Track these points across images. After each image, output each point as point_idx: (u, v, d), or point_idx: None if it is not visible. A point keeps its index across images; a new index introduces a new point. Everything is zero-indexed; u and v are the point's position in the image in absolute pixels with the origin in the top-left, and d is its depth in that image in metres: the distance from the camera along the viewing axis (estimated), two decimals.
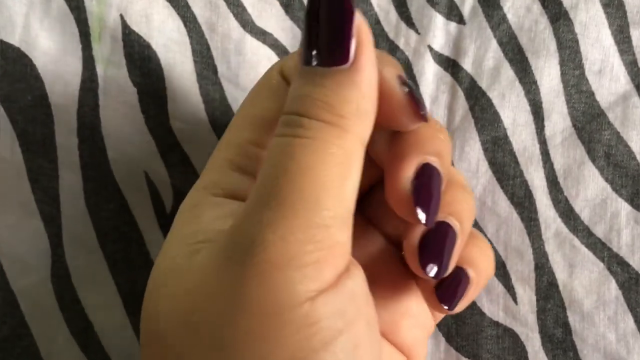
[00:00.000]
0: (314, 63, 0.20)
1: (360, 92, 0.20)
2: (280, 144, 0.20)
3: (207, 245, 0.20)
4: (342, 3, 0.19)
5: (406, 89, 0.21)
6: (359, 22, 0.20)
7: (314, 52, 0.20)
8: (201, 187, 0.23)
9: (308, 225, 0.19)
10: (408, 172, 0.22)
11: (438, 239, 0.23)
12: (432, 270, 0.23)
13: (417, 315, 0.26)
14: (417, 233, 0.23)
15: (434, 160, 0.23)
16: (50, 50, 0.31)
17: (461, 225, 0.23)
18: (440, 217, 0.23)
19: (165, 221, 0.31)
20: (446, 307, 0.24)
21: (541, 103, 0.31)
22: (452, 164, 0.31)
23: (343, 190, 0.20)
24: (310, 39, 0.20)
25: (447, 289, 0.24)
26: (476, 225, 0.31)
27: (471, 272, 0.24)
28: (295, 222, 0.19)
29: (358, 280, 0.20)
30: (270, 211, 0.19)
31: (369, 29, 0.20)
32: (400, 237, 0.25)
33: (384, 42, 0.32)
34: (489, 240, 0.31)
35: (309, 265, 0.19)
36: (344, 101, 0.20)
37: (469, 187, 0.25)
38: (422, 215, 0.22)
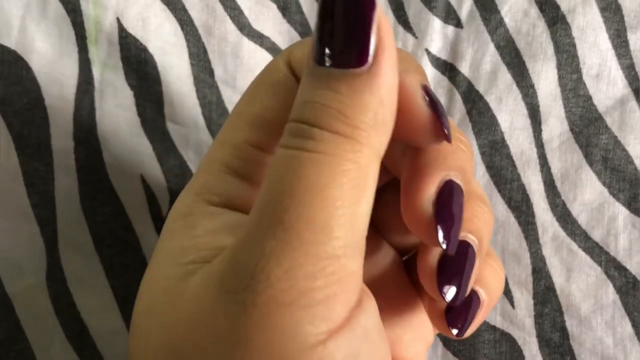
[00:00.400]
0: (327, 63, 0.17)
1: (378, 99, 0.17)
2: (287, 158, 0.17)
3: (201, 268, 0.18)
4: (369, 11, 0.17)
5: (430, 104, 0.19)
6: (381, 17, 0.17)
7: (327, 51, 0.17)
8: (193, 192, 0.21)
9: (317, 256, 0.17)
10: (429, 191, 0.20)
11: (458, 261, 0.21)
12: (450, 294, 0.21)
13: (419, 329, 0.24)
14: (435, 253, 0.21)
15: (456, 176, 0.20)
16: (47, 53, 0.31)
17: (480, 244, 0.21)
18: (460, 235, 0.21)
19: (161, 225, 0.31)
20: (455, 332, 0.22)
21: (538, 107, 0.32)
22: None
23: (356, 214, 0.17)
24: (324, 35, 0.17)
25: (459, 313, 0.22)
26: None
27: (483, 294, 0.22)
28: (302, 253, 0.16)
29: (371, 314, 0.18)
30: (274, 239, 0.17)
31: (390, 26, 0.18)
32: (406, 246, 0.24)
33: None
34: None
35: (320, 303, 0.17)
36: (360, 110, 0.17)
37: (486, 197, 0.23)
38: (443, 240, 0.20)
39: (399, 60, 0.18)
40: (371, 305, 0.18)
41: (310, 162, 0.17)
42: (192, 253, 0.19)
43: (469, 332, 0.22)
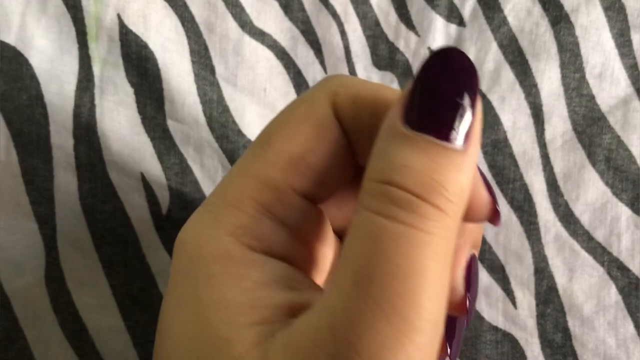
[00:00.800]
0: (422, 129, 0.17)
1: (467, 178, 0.17)
2: (379, 228, 0.16)
3: (278, 331, 0.17)
4: (474, 76, 0.17)
5: (488, 188, 0.19)
6: (480, 103, 0.17)
7: (427, 118, 0.17)
8: (226, 233, 0.19)
9: (430, 345, 0.16)
10: (461, 269, 0.20)
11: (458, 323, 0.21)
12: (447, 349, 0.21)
13: None
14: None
15: (476, 252, 0.21)
16: (47, 49, 0.31)
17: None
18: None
19: (161, 223, 0.31)
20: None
21: (541, 106, 0.31)
22: None
23: (443, 297, 0.17)
24: (425, 100, 0.17)
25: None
26: None
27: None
28: (416, 343, 0.16)
29: None
30: (381, 322, 0.16)
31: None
32: None
33: (384, 44, 0.32)
34: (488, 243, 0.31)
35: None
36: (456, 186, 0.17)
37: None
38: (468, 310, 0.20)
39: None
40: None
41: (408, 238, 0.16)
42: (252, 312, 0.18)
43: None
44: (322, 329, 0.16)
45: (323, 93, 0.20)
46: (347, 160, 0.20)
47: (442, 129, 0.17)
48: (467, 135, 0.17)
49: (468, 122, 0.17)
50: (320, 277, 0.21)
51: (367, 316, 0.16)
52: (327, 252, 0.21)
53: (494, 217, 0.19)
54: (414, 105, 0.17)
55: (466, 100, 0.17)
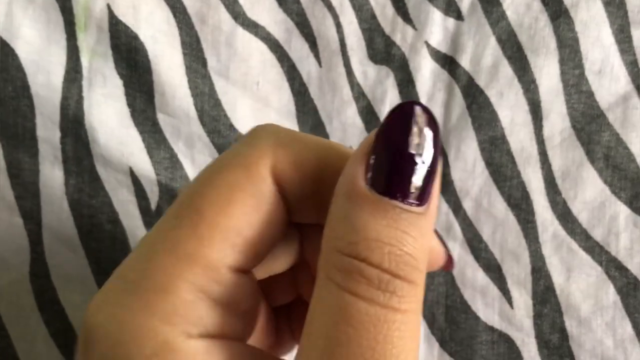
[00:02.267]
0: (389, 195, 0.16)
1: (431, 239, 0.17)
2: (366, 314, 0.16)
3: None
4: (434, 128, 0.16)
5: (442, 241, 0.20)
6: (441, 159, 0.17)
7: (395, 182, 0.16)
8: (164, 322, 0.17)
9: None
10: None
11: None
12: None
13: None
14: None
15: None
16: (34, 39, 0.31)
17: None
18: None
19: (150, 219, 0.31)
20: None
21: (540, 102, 0.31)
22: (449, 172, 0.32)
23: None
24: (395, 165, 0.16)
25: None
26: (472, 227, 0.31)
27: None
28: None
29: None
30: None
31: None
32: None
33: (380, 38, 0.32)
34: (484, 242, 0.31)
35: None
36: (424, 255, 0.16)
37: None
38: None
39: None
40: None
41: (392, 322, 0.16)
42: None
43: None
44: None
45: (261, 156, 0.18)
46: (283, 223, 0.19)
47: (407, 191, 0.16)
48: (429, 195, 0.16)
49: (432, 182, 0.16)
50: (254, 335, 0.21)
51: None
52: (258, 309, 0.21)
53: (448, 264, 0.20)
54: (377, 166, 0.16)
55: (430, 160, 0.16)
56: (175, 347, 0.17)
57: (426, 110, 0.16)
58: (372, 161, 0.16)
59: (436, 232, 0.20)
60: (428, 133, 0.16)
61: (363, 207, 0.16)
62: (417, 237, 0.16)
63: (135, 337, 0.17)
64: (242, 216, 0.18)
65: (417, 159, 0.16)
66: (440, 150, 0.16)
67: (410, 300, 0.16)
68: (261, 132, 0.19)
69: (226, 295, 0.18)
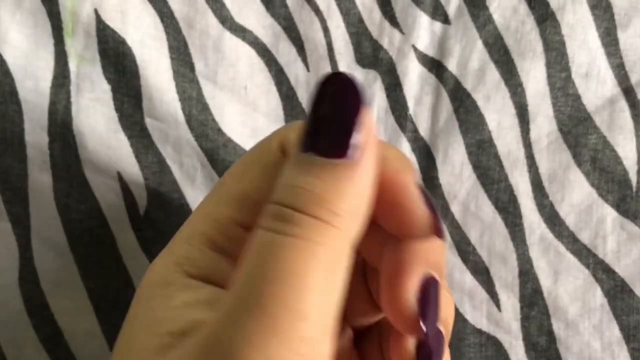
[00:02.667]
0: (313, 152, 0.19)
1: (357, 190, 0.19)
2: (266, 241, 0.18)
3: (178, 342, 0.19)
4: (353, 94, 0.19)
5: (427, 202, 0.21)
6: (367, 117, 0.19)
7: (315, 140, 0.19)
8: (172, 262, 0.21)
9: (291, 338, 0.18)
10: (414, 287, 0.21)
11: (434, 349, 0.22)
12: None
13: None
14: (412, 341, 0.22)
15: (435, 274, 0.21)
16: (21, 44, 0.31)
17: (446, 332, 0.22)
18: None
19: (138, 224, 0.31)
20: None
21: (527, 106, 0.32)
22: (437, 176, 0.32)
23: (330, 299, 0.18)
24: (313, 126, 0.19)
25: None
26: (460, 230, 0.32)
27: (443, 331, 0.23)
28: (280, 338, 0.17)
29: None
30: (251, 321, 0.17)
31: (374, 126, 0.20)
32: (360, 326, 0.25)
33: (367, 42, 0.32)
34: (472, 245, 0.31)
35: None
36: (340, 197, 0.18)
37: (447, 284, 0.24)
38: (426, 333, 0.21)
39: (396, 158, 0.21)
40: None
41: (289, 247, 0.18)
42: (169, 324, 0.19)
43: None
44: (204, 338, 0.18)
45: (274, 137, 0.22)
46: None
47: (325, 147, 0.19)
48: (359, 148, 0.19)
49: (357, 137, 0.18)
50: None
51: (238, 319, 0.18)
52: None
53: (436, 231, 0.21)
54: (305, 131, 0.19)
55: (349, 117, 0.19)
56: (173, 281, 0.21)
57: (345, 75, 0.19)
58: (303, 128, 0.19)
59: (427, 197, 0.21)
60: (345, 94, 0.19)
61: (292, 166, 0.19)
62: (335, 185, 0.18)
63: (153, 274, 0.21)
64: (252, 181, 0.22)
65: (337, 120, 0.19)
66: (362, 109, 0.19)
67: (321, 235, 0.18)
68: (285, 125, 0.23)
69: (233, 247, 0.21)
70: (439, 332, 0.22)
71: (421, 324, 0.21)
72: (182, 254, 0.21)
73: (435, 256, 0.22)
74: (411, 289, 0.21)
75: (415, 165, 0.32)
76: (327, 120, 0.19)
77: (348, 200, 0.19)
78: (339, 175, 0.19)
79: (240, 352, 0.17)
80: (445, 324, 0.23)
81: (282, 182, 0.19)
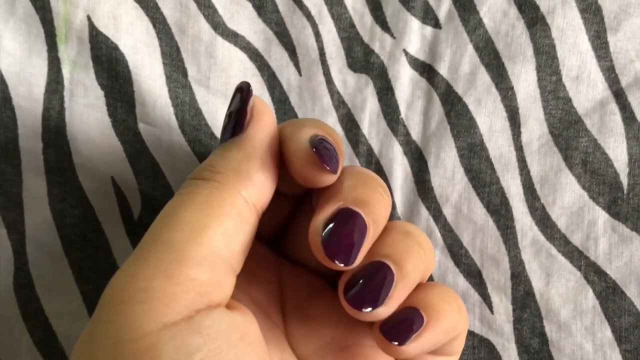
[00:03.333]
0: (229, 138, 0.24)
1: (243, 153, 0.23)
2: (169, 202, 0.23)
3: None
4: (241, 92, 0.24)
5: (313, 143, 0.23)
6: (255, 101, 0.24)
7: (226, 129, 0.24)
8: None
9: (158, 262, 0.21)
10: (323, 215, 0.23)
11: (371, 279, 0.23)
12: (367, 309, 0.23)
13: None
14: (347, 274, 0.24)
15: (354, 206, 0.23)
16: (15, 51, 0.31)
17: (397, 266, 0.23)
18: (373, 258, 0.24)
19: (132, 228, 0.32)
20: (395, 343, 0.23)
21: (518, 109, 0.32)
22: (429, 179, 0.32)
23: (205, 233, 0.22)
24: (225, 126, 0.25)
25: (394, 326, 0.24)
26: (452, 233, 0.32)
27: (424, 313, 0.24)
28: (144, 261, 0.21)
29: (223, 319, 0.21)
30: (129, 258, 0.22)
31: (266, 107, 0.25)
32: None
33: (359, 46, 0.33)
34: (464, 248, 0.32)
35: (155, 300, 0.20)
36: (224, 161, 0.23)
37: (418, 236, 0.25)
38: (339, 260, 0.23)
39: (297, 123, 0.25)
40: (226, 313, 0.22)
41: (175, 199, 0.23)
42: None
43: (412, 348, 0.24)
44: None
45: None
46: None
47: (227, 134, 0.24)
48: (246, 125, 0.24)
49: (244, 121, 0.24)
50: None
51: (130, 260, 0.22)
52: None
53: (319, 168, 0.23)
54: (221, 132, 0.25)
55: (239, 112, 0.24)
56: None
57: (245, 83, 0.25)
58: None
59: (316, 142, 0.23)
60: (238, 88, 0.25)
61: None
62: (220, 153, 0.24)
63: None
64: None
65: (229, 114, 0.25)
66: (245, 97, 0.24)
67: (192, 187, 0.23)
68: None
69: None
70: (379, 264, 0.24)
71: (336, 256, 0.23)
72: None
73: (356, 193, 0.24)
74: (319, 218, 0.23)
75: (408, 169, 0.32)
76: (230, 114, 0.24)
77: (231, 161, 0.23)
78: (227, 146, 0.24)
79: (113, 279, 0.21)
80: (395, 259, 0.24)
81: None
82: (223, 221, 0.22)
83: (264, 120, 0.24)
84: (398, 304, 0.24)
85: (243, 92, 0.24)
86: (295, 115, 0.32)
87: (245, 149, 0.24)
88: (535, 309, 0.32)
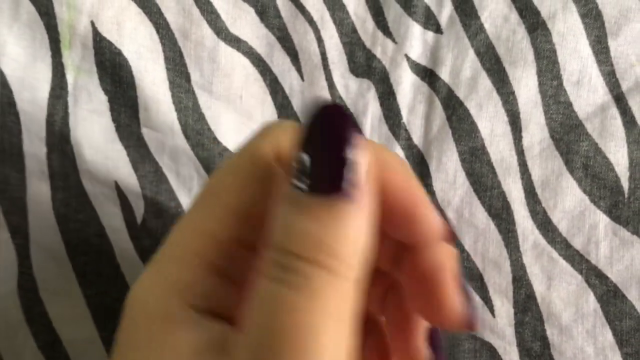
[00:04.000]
0: (308, 189, 0.17)
1: (357, 231, 0.18)
2: (273, 293, 0.17)
3: None
4: (344, 126, 0.17)
5: (466, 297, 0.20)
6: (362, 149, 0.18)
7: (309, 179, 0.17)
8: (169, 289, 0.19)
9: None
10: (420, 336, 0.22)
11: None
12: None
13: None
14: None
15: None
16: (19, 56, 0.31)
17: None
18: None
19: (136, 232, 0.32)
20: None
21: (519, 114, 0.32)
22: (431, 183, 0.32)
23: (341, 345, 0.18)
24: (305, 162, 0.18)
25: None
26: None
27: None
28: None
29: None
30: None
31: (372, 157, 0.18)
32: None
33: (361, 51, 0.33)
34: (466, 252, 0.32)
35: None
36: (339, 241, 0.17)
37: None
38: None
39: (397, 164, 0.20)
40: None
41: (298, 301, 0.17)
42: None
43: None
44: None
45: (265, 142, 0.20)
46: None
47: (318, 184, 0.17)
48: (354, 184, 0.17)
49: (351, 174, 0.17)
50: None
51: None
52: None
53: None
54: (296, 165, 0.18)
55: (341, 152, 0.17)
56: (175, 318, 0.19)
57: (338, 108, 0.18)
58: (294, 163, 0.18)
59: (466, 291, 0.21)
60: (339, 130, 0.17)
61: (289, 207, 0.18)
62: (328, 224, 0.17)
63: (146, 304, 0.19)
64: (248, 193, 0.20)
65: (333, 157, 0.17)
66: (355, 142, 0.17)
67: (318, 283, 0.17)
68: (268, 124, 0.21)
69: (237, 271, 0.20)
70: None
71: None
72: (179, 280, 0.19)
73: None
74: (419, 338, 0.22)
75: None
76: (319, 156, 0.17)
77: (348, 243, 0.18)
78: (336, 216, 0.17)
79: None
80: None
81: (279, 223, 0.18)
82: (352, 325, 0.18)
83: (373, 183, 0.19)
84: None
85: (341, 126, 0.18)
86: (297, 120, 0.33)
87: (360, 226, 0.18)
88: (536, 313, 0.32)
